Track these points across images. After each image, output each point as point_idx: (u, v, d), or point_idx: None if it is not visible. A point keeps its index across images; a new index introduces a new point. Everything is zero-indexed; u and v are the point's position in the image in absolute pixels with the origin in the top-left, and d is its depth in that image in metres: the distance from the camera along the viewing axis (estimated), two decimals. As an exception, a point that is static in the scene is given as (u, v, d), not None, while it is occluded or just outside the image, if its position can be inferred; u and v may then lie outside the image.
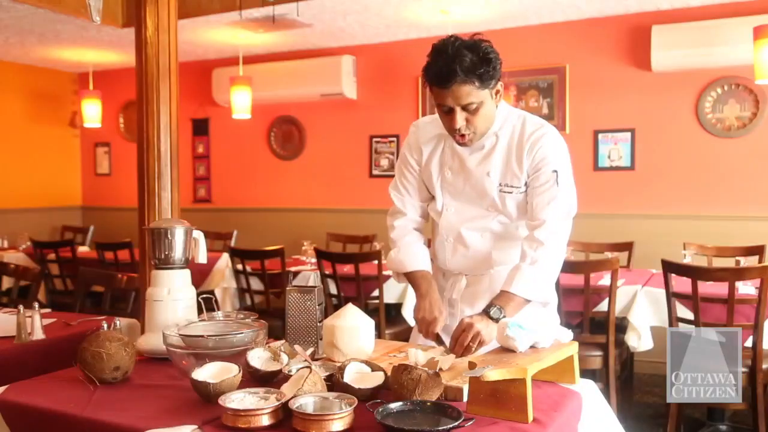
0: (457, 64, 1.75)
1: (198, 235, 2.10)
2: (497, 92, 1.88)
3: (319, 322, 1.88)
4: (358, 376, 1.55)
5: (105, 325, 1.89)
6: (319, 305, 1.90)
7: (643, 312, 3.55)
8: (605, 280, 3.62)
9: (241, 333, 1.77)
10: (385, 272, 4.10)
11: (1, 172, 6.77)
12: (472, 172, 1.99)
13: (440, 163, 2.05)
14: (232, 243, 5.73)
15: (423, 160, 2.08)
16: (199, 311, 2.01)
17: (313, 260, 4.61)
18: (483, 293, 1.98)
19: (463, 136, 1.89)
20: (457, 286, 2.08)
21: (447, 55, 1.77)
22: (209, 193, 6.92)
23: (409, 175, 2.12)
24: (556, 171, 1.91)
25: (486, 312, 1.78)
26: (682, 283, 3.22)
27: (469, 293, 2.05)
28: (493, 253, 2.01)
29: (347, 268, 4.25)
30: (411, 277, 2.07)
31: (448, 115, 1.87)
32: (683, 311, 3.22)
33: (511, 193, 1.96)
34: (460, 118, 1.84)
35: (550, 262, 1.89)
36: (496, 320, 1.74)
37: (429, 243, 2.18)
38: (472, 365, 1.44)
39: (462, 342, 1.72)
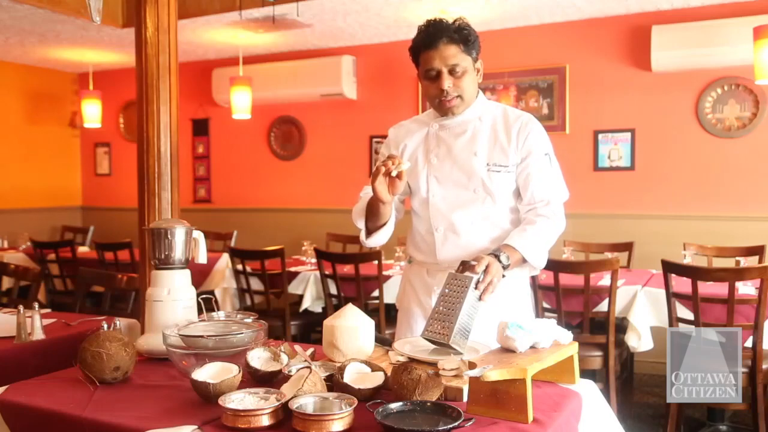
0: (442, 27, 1.95)
1: (198, 235, 2.10)
2: (478, 71, 2.02)
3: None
4: (358, 377, 1.55)
5: (105, 326, 1.88)
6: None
7: (643, 312, 3.55)
8: (605, 280, 3.62)
9: (241, 333, 1.77)
10: (385, 272, 4.10)
11: (1, 172, 6.77)
12: (458, 155, 2.04)
13: (425, 151, 2.10)
14: (232, 243, 5.73)
15: (407, 153, 2.12)
16: (199, 311, 2.01)
17: (313, 260, 4.61)
18: None
19: (450, 100, 1.98)
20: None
21: (433, 23, 1.97)
22: (209, 193, 6.92)
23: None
24: (548, 154, 2.03)
25: (495, 256, 1.83)
26: (682, 284, 3.22)
27: None
28: (489, 245, 1.99)
29: (347, 269, 4.25)
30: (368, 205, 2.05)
31: (435, 81, 1.97)
32: (683, 311, 3.22)
33: (499, 172, 2.00)
34: (448, 80, 1.95)
35: (551, 234, 1.98)
36: (505, 267, 1.84)
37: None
38: (472, 365, 1.44)
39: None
